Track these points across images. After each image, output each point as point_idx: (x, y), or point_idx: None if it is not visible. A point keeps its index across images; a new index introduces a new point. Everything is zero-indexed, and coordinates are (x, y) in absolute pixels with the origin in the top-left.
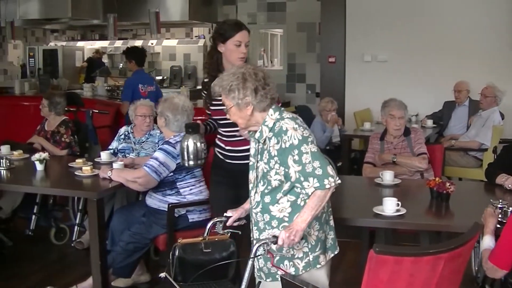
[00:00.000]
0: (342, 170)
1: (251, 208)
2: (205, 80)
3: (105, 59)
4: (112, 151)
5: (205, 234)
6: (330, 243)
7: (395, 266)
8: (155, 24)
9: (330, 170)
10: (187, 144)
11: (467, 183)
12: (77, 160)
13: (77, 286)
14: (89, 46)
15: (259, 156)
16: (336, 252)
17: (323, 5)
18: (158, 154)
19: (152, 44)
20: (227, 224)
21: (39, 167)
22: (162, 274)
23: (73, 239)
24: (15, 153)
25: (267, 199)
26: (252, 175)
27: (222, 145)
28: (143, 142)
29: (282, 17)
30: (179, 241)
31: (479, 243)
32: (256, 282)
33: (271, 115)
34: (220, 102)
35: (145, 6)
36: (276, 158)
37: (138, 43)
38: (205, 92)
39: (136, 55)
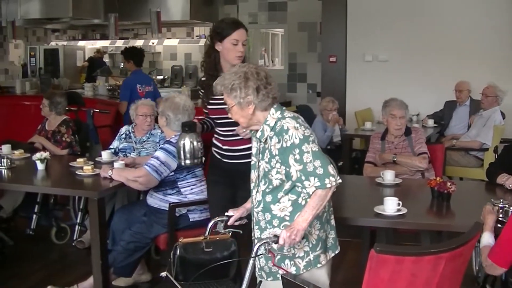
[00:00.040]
0: (343, 169)
1: (253, 207)
2: (203, 79)
3: (106, 59)
4: (113, 150)
5: (207, 234)
6: (331, 242)
7: (396, 266)
8: (156, 23)
9: (331, 169)
10: (184, 143)
11: (468, 183)
12: (78, 160)
13: (78, 285)
14: (90, 46)
15: (260, 155)
16: (337, 252)
17: (324, 5)
18: (159, 154)
19: (153, 43)
20: (228, 223)
21: (40, 166)
22: (163, 273)
23: (74, 238)
24: (16, 153)
25: (268, 198)
26: (253, 174)
27: (219, 145)
28: (144, 141)
29: (283, 16)
30: (180, 240)
31: (479, 243)
32: (257, 281)
33: (273, 114)
34: (218, 101)
35: (146, 5)
36: (277, 157)
37: (139, 42)
38: (202, 91)
39: (134, 55)
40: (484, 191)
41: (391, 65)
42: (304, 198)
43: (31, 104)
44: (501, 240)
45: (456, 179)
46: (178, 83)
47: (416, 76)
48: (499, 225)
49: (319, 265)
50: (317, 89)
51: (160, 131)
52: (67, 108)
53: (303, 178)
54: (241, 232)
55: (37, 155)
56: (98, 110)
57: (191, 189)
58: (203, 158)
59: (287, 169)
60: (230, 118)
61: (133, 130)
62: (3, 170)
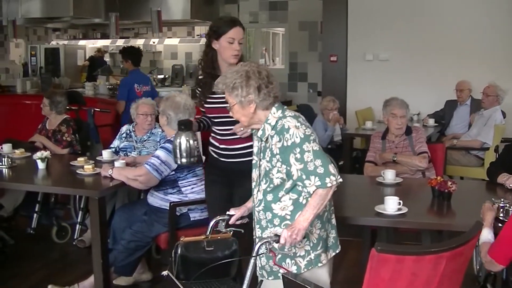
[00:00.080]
0: (343, 169)
1: (254, 207)
2: (200, 77)
3: (106, 58)
4: (113, 149)
5: (208, 233)
6: (332, 241)
7: (396, 265)
8: (156, 23)
9: (331, 168)
10: (180, 142)
11: (468, 182)
12: (78, 159)
13: (79, 284)
14: (90, 45)
15: (261, 154)
16: (337, 251)
17: (325, 4)
18: (160, 153)
19: (153, 43)
20: (230, 222)
21: (41, 165)
22: (165, 272)
23: (75, 237)
24: (16, 152)
25: (269, 197)
26: (255, 173)
27: (216, 144)
28: (144, 140)
29: (284, 16)
30: (181, 239)
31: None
32: (258, 280)
33: (274, 113)
34: (215, 100)
35: (146, 4)
36: (278, 156)
37: (140, 42)
38: (200, 90)
39: (132, 55)
40: (485, 190)
41: (392, 65)
42: (305, 197)
43: (31, 103)
44: (502, 237)
45: (457, 178)
46: (179, 82)
47: (416, 75)
48: (499, 224)
49: (320, 264)
50: (318, 89)
51: (160, 130)
52: (67, 107)
53: (303, 177)
54: (243, 231)
55: (38, 154)
56: (98, 109)
57: (192, 188)
58: (203, 157)
59: (288, 168)
60: (227, 117)
61: (133, 129)
62: (3, 169)
